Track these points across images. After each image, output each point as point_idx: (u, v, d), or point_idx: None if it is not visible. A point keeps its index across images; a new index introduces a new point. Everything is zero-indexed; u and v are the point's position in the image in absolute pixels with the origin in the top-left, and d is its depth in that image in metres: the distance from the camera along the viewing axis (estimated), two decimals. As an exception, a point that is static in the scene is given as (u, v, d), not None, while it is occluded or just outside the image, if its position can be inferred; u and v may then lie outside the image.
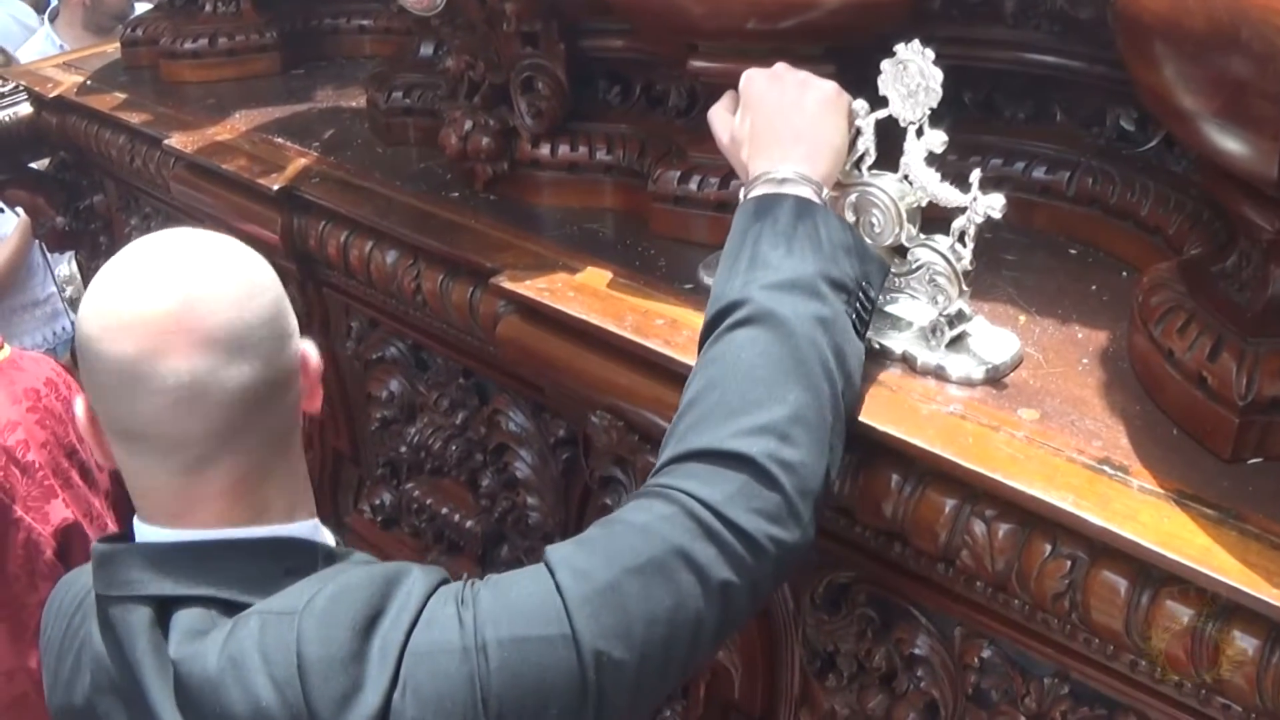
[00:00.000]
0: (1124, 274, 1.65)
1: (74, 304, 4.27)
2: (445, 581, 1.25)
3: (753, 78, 1.50)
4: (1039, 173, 1.76)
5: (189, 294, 1.23)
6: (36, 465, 2.51)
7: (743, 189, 1.46)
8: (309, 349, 1.37)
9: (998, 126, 1.82)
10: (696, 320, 1.50)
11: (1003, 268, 1.66)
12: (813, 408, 1.25)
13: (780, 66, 1.51)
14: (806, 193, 1.40)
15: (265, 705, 1.17)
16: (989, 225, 1.40)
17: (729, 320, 1.32)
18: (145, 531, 1.33)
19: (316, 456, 2.50)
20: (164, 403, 1.22)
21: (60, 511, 2.51)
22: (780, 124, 1.45)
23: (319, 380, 1.39)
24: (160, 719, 1.23)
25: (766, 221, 1.39)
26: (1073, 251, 1.72)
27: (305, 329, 2.25)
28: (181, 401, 1.22)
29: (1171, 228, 1.59)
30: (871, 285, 1.41)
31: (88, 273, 3.32)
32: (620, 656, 1.18)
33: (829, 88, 1.47)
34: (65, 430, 2.65)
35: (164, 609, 1.27)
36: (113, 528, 2.47)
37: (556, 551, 1.24)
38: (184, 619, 1.26)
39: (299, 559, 1.30)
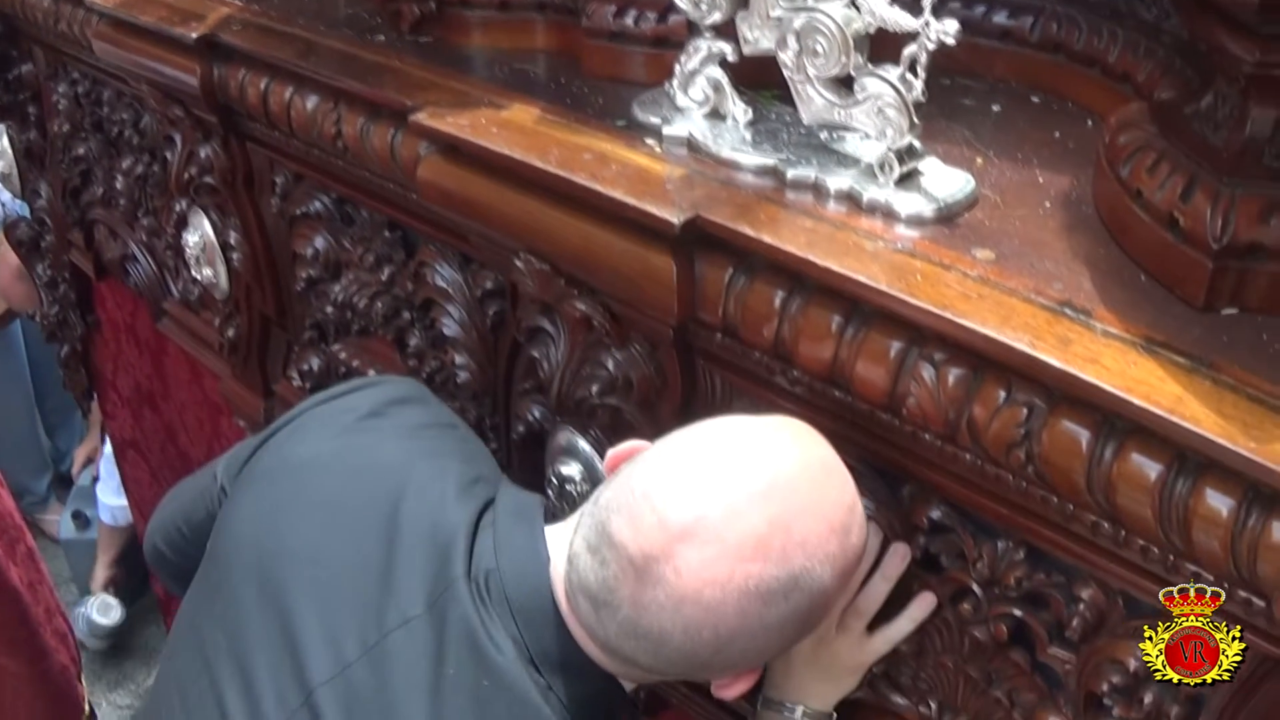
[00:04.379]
0: (1089, 123, 1.55)
1: (4, 180, 4.11)
2: None
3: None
4: (1000, 17, 1.64)
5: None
6: None
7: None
8: None
9: (957, -32, 1.71)
10: (626, 155, 1.42)
11: (959, 113, 1.56)
12: None
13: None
14: None
15: None
16: (944, 72, 1.31)
17: None
18: None
19: (244, 323, 2.42)
20: None
21: None
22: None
23: None
24: None
25: None
26: (1035, 100, 1.62)
27: (229, 186, 2.18)
28: None
29: (1141, 75, 1.49)
30: None
31: (17, 146, 3.27)
32: None
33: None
34: None
35: None
36: None
37: None
38: None
39: None
